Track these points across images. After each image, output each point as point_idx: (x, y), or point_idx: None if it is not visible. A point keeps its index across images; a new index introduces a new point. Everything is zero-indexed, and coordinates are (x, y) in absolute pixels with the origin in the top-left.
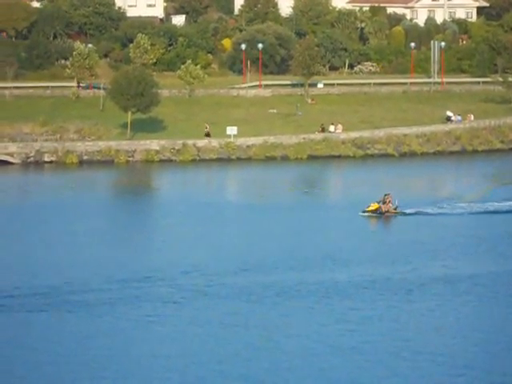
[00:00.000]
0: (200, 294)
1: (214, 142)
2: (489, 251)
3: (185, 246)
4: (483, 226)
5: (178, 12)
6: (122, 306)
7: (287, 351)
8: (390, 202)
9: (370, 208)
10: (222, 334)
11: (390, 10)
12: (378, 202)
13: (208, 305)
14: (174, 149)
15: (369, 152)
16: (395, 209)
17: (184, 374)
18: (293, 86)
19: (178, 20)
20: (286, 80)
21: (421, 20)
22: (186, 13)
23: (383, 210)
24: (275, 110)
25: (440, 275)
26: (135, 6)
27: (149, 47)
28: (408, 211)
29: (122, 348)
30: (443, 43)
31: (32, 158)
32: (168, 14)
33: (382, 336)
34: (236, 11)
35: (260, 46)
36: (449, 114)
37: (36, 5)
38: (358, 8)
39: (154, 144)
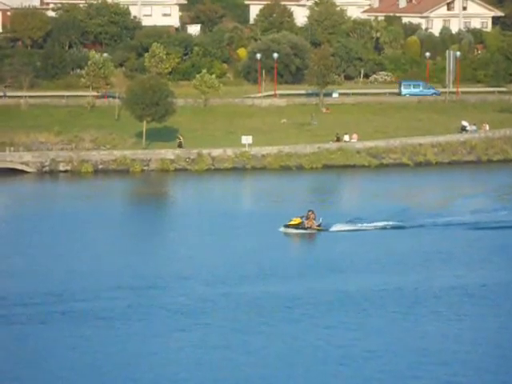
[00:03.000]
0: (214, 303)
1: (229, 152)
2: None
3: (199, 256)
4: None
5: (193, 21)
6: (135, 316)
7: (303, 360)
8: (313, 218)
9: (292, 222)
10: (236, 344)
11: (405, 20)
12: (301, 217)
13: (221, 314)
14: (189, 158)
15: (384, 161)
16: (319, 225)
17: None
18: (308, 95)
19: (194, 29)
20: (300, 89)
21: (436, 30)
22: (202, 22)
23: (306, 225)
24: (285, 120)
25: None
26: (150, 15)
27: (164, 56)
28: (333, 228)
29: (136, 357)
30: (458, 53)
31: (47, 167)
32: (183, 24)
33: (392, 345)
34: (251, 21)
35: (275, 55)
36: (464, 123)
37: (51, 14)
38: (373, 18)
39: (169, 153)
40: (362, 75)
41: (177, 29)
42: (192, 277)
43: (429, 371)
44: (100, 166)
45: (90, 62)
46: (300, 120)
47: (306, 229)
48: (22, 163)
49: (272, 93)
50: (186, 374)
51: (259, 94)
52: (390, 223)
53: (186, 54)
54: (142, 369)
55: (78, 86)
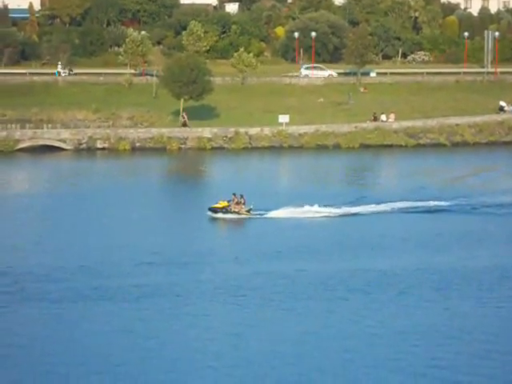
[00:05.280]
0: (247, 281)
1: (266, 130)
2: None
3: (231, 234)
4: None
5: (231, 0)
6: (160, 295)
7: (334, 338)
8: (243, 203)
9: (217, 205)
10: (270, 322)
11: (443, 0)
12: (229, 201)
13: (255, 292)
14: (226, 136)
15: (421, 142)
16: (248, 211)
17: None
18: (345, 74)
19: (232, 8)
20: (338, 69)
21: (475, 9)
22: (240, 0)
23: (233, 209)
24: (322, 99)
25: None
26: None
27: (202, 35)
28: (269, 214)
29: (173, 334)
30: (497, 33)
31: (84, 145)
32: (221, 2)
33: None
34: None
35: (313, 34)
36: (502, 103)
37: None
38: None
39: (206, 131)
40: (399, 55)
41: (215, 7)
42: (225, 254)
43: (461, 351)
44: (137, 144)
45: (127, 40)
46: (337, 99)
47: (231, 212)
48: (59, 140)
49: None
50: (223, 350)
51: (297, 73)
52: (419, 204)
53: (223, 33)
54: (178, 347)
55: (116, 63)
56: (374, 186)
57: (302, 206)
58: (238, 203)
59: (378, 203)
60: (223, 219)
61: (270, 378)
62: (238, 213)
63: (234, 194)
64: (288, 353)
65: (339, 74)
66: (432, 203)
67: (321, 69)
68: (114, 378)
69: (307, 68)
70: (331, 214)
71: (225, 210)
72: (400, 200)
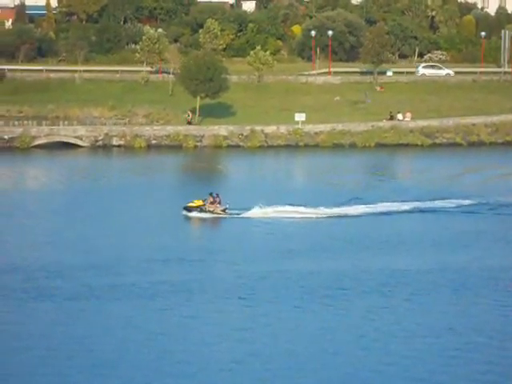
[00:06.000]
0: (259, 280)
1: (282, 129)
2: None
3: (240, 232)
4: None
5: None
6: (170, 294)
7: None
8: (218, 202)
9: (192, 204)
10: (281, 321)
11: None
12: (204, 200)
13: (266, 291)
14: (242, 135)
15: (437, 141)
16: (224, 210)
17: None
18: (362, 73)
19: (249, 6)
20: (355, 67)
21: (492, 9)
22: None
23: (207, 208)
24: (339, 98)
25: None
26: None
27: (219, 33)
28: (246, 214)
29: (188, 336)
30: None
31: (101, 142)
32: (238, 0)
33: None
34: None
35: (330, 33)
36: None
37: None
38: None
39: (222, 129)
40: (416, 54)
41: (232, 5)
42: (237, 252)
43: (475, 353)
44: (153, 142)
45: (144, 37)
46: (354, 98)
47: (206, 211)
48: (75, 137)
49: (326, 70)
50: (237, 348)
51: (313, 72)
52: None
53: (240, 31)
54: (192, 346)
55: (133, 60)
56: (387, 185)
57: (283, 206)
58: (212, 202)
59: (390, 202)
60: (198, 218)
61: (285, 378)
62: (212, 212)
63: (211, 194)
64: (302, 352)
65: (356, 72)
66: (447, 202)
67: (438, 68)
68: (128, 376)
69: (425, 67)
70: (315, 215)
71: (199, 208)
72: (415, 199)
